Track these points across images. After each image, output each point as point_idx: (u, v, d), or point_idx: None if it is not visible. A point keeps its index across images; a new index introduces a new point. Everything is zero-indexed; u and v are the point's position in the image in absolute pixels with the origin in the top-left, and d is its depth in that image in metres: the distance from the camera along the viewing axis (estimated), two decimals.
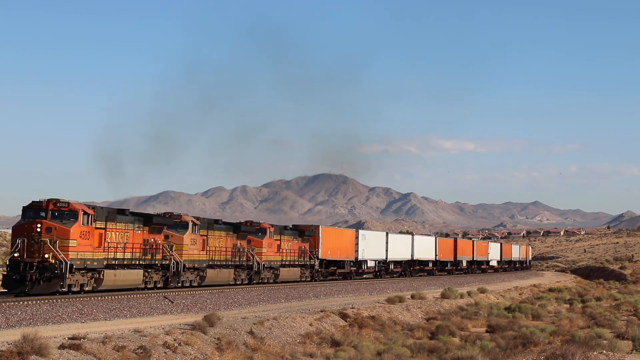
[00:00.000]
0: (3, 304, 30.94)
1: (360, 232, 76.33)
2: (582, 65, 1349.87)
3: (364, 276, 77.25)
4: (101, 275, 38.65)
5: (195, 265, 47.37)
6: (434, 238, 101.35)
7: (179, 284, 45.44)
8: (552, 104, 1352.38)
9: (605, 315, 45.56)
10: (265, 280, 56.50)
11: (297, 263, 61.99)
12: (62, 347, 21.12)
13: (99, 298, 36.73)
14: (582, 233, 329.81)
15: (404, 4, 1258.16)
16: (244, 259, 54.00)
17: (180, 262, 44.96)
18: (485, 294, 59.38)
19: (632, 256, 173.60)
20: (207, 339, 26.29)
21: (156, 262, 43.57)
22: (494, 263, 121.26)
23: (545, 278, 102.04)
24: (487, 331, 38.14)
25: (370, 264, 77.21)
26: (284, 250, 59.84)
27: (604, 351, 28.97)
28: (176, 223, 46.09)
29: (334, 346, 29.63)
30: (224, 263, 51.25)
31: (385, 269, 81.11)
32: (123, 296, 38.58)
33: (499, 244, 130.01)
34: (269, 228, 57.52)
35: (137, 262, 41.78)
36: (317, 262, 65.30)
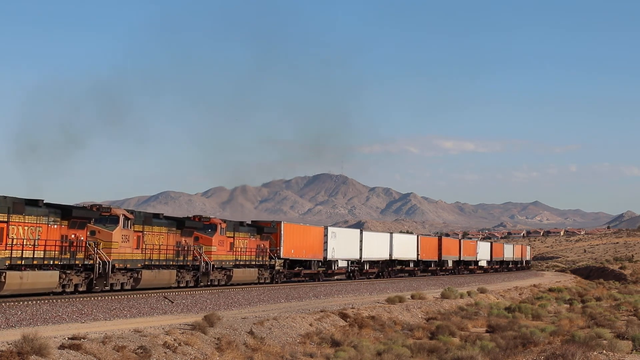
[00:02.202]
0: (3, 304, 30.95)
1: (330, 229, 70.08)
2: (583, 64, 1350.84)
3: (335, 277, 71.80)
4: (2, 277, 32.98)
5: (128, 265, 41.64)
6: (415, 237, 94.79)
7: (107, 287, 39.85)
8: (553, 103, 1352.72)
9: (605, 315, 45.55)
10: (216, 283, 51.08)
11: (254, 263, 56.22)
12: (62, 347, 21.12)
13: (99, 298, 36.73)
14: (582, 233, 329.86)
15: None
16: (190, 258, 48.38)
17: (108, 262, 39.15)
18: (485, 294, 59.38)
19: (632, 256, 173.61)
20: (207, 339, 26.29)
21: (77, 262, 37.76)
22: (483, 263, 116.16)
23: (545, 278, 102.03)
24: (487, 331, 38.13)
25: (342, 264, 71.58)
26: (239, 249, 54.17)
27: (604, 351, 28.97)
28: (104, 217, 40.50)
29: (334, 346, 29.63)
30: (164, 263, 45.43)
31: (359, 270, 75.70)
32: (123, 296, 38.58)
33: (489, 243, 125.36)
34: (220, 224, 52.06)
35: (52, 263, 35.90)
36: (277, 262, 59.86)
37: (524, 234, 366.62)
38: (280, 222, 61.53)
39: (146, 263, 43.52)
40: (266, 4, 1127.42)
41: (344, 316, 36.58)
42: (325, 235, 68.27)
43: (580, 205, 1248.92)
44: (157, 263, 44.68)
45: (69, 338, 22.26)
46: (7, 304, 31.27)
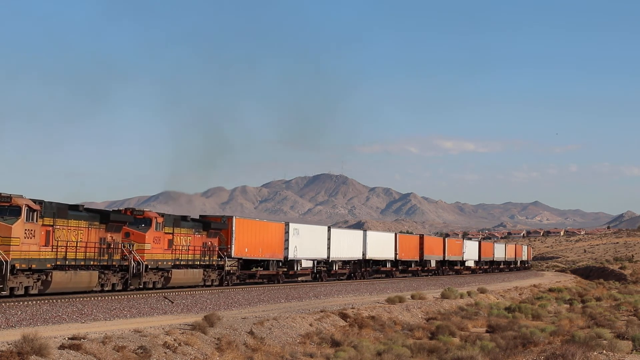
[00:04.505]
0: (3, 304, 30.97)
1: (292, 225, 63.45)
2: (583, 64, 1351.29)
3: (299, 279, 65.44)
4: None
5: (33, 265, 34.89)
6: (393, 235, 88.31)
7: (5, 292, 33.19)
8: (553, 103, 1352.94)
9: (605, 315, 45.61)
10: (151, 286, 44.65)
11: (199, 263, 49.83)
12: (62, 347, 21.13)
13: (99, 298, 36.75)
14: (582, 233, 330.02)
15: None
16: (118, 257, 41.74)
17: (6, 261, 32.65)
18: (485, 294, 59.44)
19: (632, 256, 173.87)
20: (207, 339, 26.31)
21: None
22: (470, 263, 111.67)
23: (545, 278, 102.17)
24: (487, 331, 38.16)
25: (306, 264, 65.20)
26: (180, 247, 47.74)
27: (604, 351, 28.99)
28: (2, 208, 33.89)
29: (334, 346, 29.65)
30: (83, 263, 38.67)
31: (327, 271, 69.65)
32: (123, 296, 38.61)
33: (477, 243, 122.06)
34: (156, 218, 45.36)
35: None
36: (227, 262, 53.12)
37: (524, 234, 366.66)
38: (232, 216, 55.63)
39: (59, 263, 36.96)
40: (264, 4, 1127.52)
41: (344, 316, 36.59)
42: (287, 232, 62.00)
43: (580, 205, 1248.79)
44: (73, 263, 37.99)
45: (69, 338, 22.26)
46: (7, 304, 31.29)
